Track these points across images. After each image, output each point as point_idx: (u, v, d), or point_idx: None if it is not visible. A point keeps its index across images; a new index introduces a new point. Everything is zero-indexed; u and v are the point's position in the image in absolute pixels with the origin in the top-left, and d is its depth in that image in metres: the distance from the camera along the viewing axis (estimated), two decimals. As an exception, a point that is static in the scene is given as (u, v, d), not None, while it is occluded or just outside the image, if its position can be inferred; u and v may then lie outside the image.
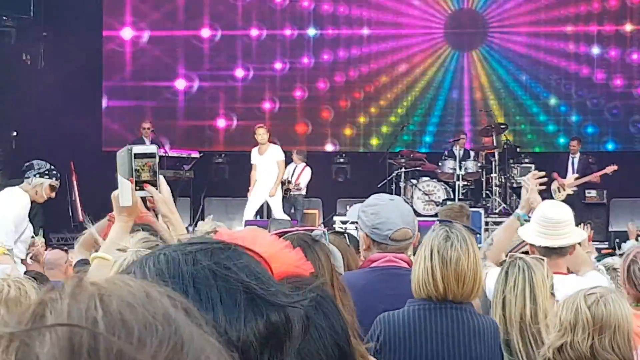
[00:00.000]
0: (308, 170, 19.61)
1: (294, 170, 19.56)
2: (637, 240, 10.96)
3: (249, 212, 18.11)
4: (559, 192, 18.85)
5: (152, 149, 3.49)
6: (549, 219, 5.69)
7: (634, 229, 10.04)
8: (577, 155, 19.71)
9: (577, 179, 19.31)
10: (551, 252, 5.69)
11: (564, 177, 19.35)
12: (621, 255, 7.14)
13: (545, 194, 8.48)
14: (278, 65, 23.06)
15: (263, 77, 23.10)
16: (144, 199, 3.56)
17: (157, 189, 3.51)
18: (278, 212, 18.01)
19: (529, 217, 6.05)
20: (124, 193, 3.44)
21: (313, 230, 3.33)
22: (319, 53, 23.01)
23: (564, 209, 5.84)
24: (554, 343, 3.75)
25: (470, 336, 4.28)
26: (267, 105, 23.03)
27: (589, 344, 3.69)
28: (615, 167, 19.16)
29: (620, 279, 6.05)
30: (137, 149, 3.46)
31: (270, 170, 18.03)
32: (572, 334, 3.70)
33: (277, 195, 18.18)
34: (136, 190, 3.46)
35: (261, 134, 18.08)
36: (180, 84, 23.08)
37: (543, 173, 6.89)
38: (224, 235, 2.21)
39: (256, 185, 18.11)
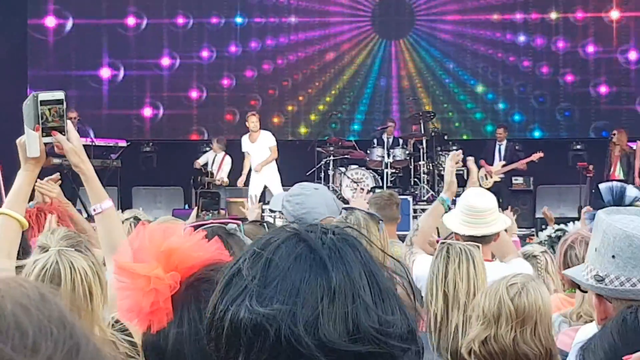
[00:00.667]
0: (228, 160, 19.57)
1: (214, 159, 19.52)
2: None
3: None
4: (486, 179, 19.00)
5: (60, 95, 3.34)
6: (473, 208, 5.68)
7: (550, 215, 10.08)
8: (504, 142, 19.86)
9: (503, 166, 19.47)
10: (476, 240, 5.69)
11: (491, 164, 19.50)
12: (540, 242, 7.18)
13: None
14: (205, 54, 22.89)
15: (190, 66, 22.91)
16: (53, 148, 3.42)
17: (64, 135, 3.37)
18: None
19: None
20: (31, 143, 3.29)
21: (227, 223, 3.25)
22: (246, 41, 22.88)
23: (487, 198, 5.83)
24: (478, 335, 3.71)
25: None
26: (194, 94, 22.86)
27: (511, 336, 3.66)
28: (541, 154, 19.34)
29: (542, 265, 6.06)
30: (43, 95, 3.31)
31: (264, 156, 18.10)
32: (496, 327, 3.67)
33: (276, 179, 18.13)
34: (43, 136, 3.31)
35: (254, 121, 18.14)
36: (105, 72, 22.80)
37: (460, 152, 6.89)
38: (140, 229, 2.17)
39: (251, 173, 18.07)
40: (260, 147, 18.03)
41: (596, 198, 3.86)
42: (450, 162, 6.40)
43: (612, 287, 2.60)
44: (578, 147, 21.74)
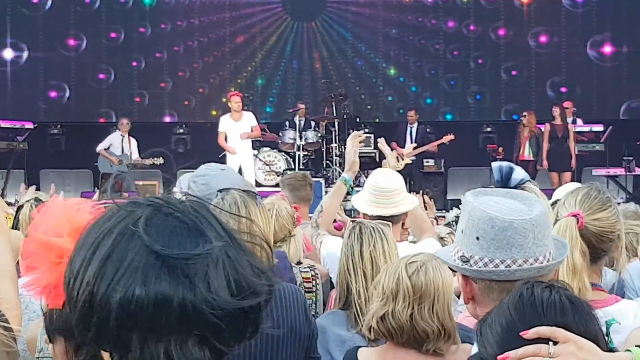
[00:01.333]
0: (134, 141, 19.36)
1: (122, 140, 19.28)
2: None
3: None
4: (398, 161, 19.03)
5: None
6: (380, 188, 5.68)
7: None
8: (415, 125, 19.98)
9: (415, 148, 19.57)
10: (384, 220, 5.68)
11: (403, 146, 19.58)
12: (448, 224, 7.20)
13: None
14: (114, 35, 22.58)
15: (98, 47, 22.58)
16: None
17: None
18: (250, 178, 17.72)
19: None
20: None
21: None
22: (156, 22, 22.63)
23: (394, 178, 5.83)
24: (377, 312, 3.71)
25: (276, 303, 4.15)
26: (102, 76, 22.56)
27: (409, 313, 3.66)
28: (451, 137, 19.49)
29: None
30: None
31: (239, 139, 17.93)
32: (394, 303, 3.67)
33: (250, 163, 18.03)
34: None
35: (237, 101, 17.88)
36: (7, 53, 22.38)
37: (361, 132, 6.88)
38: (52, 205, 2.12)
39: (238, 155, 17.81)
40: (243, 126, 17.83)
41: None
42: (352, 142, 6.37)
43: (476, 268, 2.62)
44: (488, 129, 21.97)
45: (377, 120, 22.23)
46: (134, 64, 22.63)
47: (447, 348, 3.73)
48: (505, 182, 4.10)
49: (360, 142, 6.46)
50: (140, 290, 1.51)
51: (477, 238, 2.61)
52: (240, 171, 17.56)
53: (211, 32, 22.71)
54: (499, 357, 2.04)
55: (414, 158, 19.56)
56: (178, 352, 1.53)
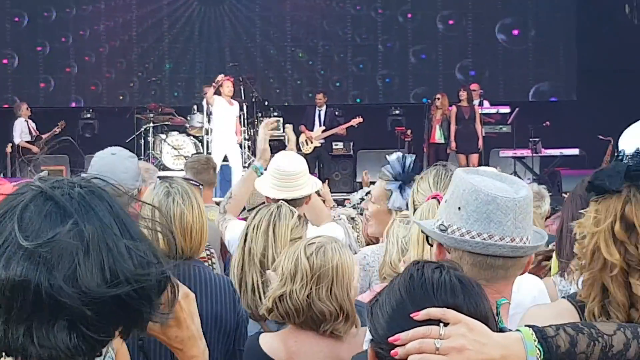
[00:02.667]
0: (32, 124, 19.12)
1: (28, 125, 19.01)
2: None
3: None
4: (306, 144, 19.13)
5: None
6: (283, 171, 5.70)
7: (367, 179, 10.26)
8: (324, 108, 20.01)
9: (323, 131, 19.63)
10: (286, 203, 5.70)
11: (312, 130, 19.62)
12: (353, 206, 7.25)
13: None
14: (17, 19, 22.20)
15: (1, 31, 22.18)
16: None
17: None
18: (237, 167, 17.40)
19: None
20: None
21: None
22: (61, 7, 22.29)
23: (297, 161, 5.85)
24: (274, 293, 3.71)
25: (201, 292, 4.16)
26: (5, 61, 22.17)
27: (306, 294, 3.67)
28: (360, 119, 19.58)
29: (360, 227, 6.10)
30: None
31: (233, 123, 17.69)
32: (292, 284, 3.67)
33: (237, 151, 17.77)
34: None
35: (229, 86, 17.59)
36: None
37: (274, 119, 6.90)
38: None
39: (220, 136, 17.52)
40: (233, 113, 17.65)
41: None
42: (263, 129, 6.37)
43: (452, 237, 2.67)
44: (396, 112, 22.11)
45: (286, 104, 22.20)
46: (39, 48, 22.27)
47: (345, 330, 3.74)
48: (406, 171, 4.15)
49: (271, 130, 6.46)
50: (0, 274, 1.55)
51: (459, 208, 2.65)
52: (225, 159, 17.48)
53: (118, 16, 22.44)
54: (389, 339, 2.04)
55: (322, 141, 19.62)
56: (41, 336, 1.56)
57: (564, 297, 2.82)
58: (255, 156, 18.50)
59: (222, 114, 17.56)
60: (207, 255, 5.66)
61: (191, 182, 4.48)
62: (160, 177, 4.66)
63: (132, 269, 1.60)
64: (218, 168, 17.38)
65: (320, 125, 19.75)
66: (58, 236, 1.56)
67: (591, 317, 2.63)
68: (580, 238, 2.65)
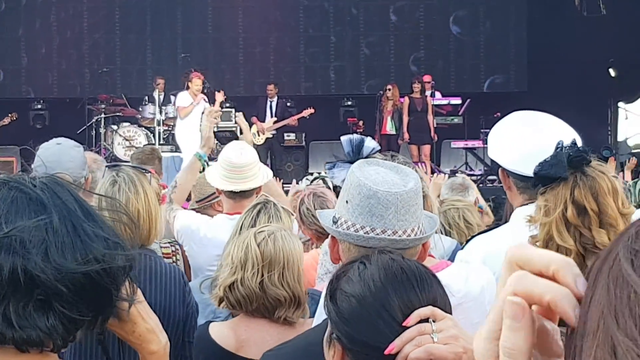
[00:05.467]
0: None
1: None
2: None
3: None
4: (258, 135, 19.12)
5: None
6: (232, 164, 5.71)
7: None
8: (275, 99, 20.00)
9: (275, 122, 19.63)
10: (236, 195, 5.72)
11: (263, 121, 19.62)
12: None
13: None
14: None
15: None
16: None
17: None
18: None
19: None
20: None
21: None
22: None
23: (247, 152, 5.86)
24: (224, 281, 3.73)
25: (150, 282, 4.14)
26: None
27: (258, 280, 3.70)
28: (311, 110, 19.61)
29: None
30: None
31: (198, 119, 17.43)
32: (243, 271, 3.70)
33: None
34: None
35: (198, 84, 17.42)
36: None
37: (217, 108, 6.91)
38: None
39: (193, 133, 17.32)
40: (200, 108, 17.41)
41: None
42: (207, 117, 6.39)
43: (340, 230, 2.72)
44: (349, 103, 22.15)
45: (238, 95, 22.15)
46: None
47: (297, 317, 3.78)
48: (357, 152, 4.18)
49: (215, 118, 6.47)
50: None
51: (347, 202, 2.71)
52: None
53: (69, 6, 22.26)
54: (386, 351, 2.07)
55: (274, 132, 19.62)
56: (18, 316, 1.60)
57: (531, 237, 2.88)
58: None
59: (191, 112, 17.49)
60: (172, 251, 5.65)
61: (139, 169, 4.48)
62: (108, 166, 4.64)
63: (101, 250, 1.67)
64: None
65: (271, 117, 19.75)
66: (27, 220, 1.63)
67: None
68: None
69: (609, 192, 2.78)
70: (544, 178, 2.80)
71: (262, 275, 3.70)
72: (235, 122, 18.60)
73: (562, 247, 2.70)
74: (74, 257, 1.64)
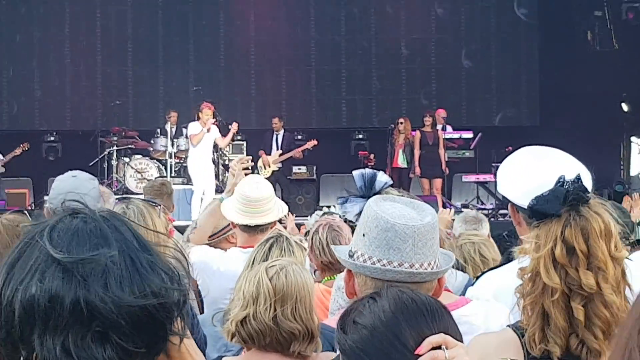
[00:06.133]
0: None
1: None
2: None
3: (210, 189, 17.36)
4: (265, 169, 19.15)
5: None
6: (248, 197, 5.73)
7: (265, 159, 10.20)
8: (281, 132, 20.01)
9: (280, 155, 19.66)
10: (251, 229, 5.74)
11: (270, 154, 19.66)
12: (307, 233, 7.26)
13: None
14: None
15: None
16: None
17: None
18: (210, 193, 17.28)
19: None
20: None
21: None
22: (26, 30, 22.21)
23: (263, 187, 5.88)
24: (236, 315, 3.72)
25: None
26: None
27: (271, 314, 3.69)
28: (315, 142, 19.67)
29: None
30: None
31: (210, 149, 17.75)
32: (255, 306, 3.70)
33: (212, 177, 17.81)
34: None
35: (209, 114, 17.52)
36: None
37: (249, 158, 6.93)
38: None
39: (205, 164, 17.45)
40: (211, 137, 17.57)
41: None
42: (237, 164, 6.39)
43: (357, 263, 2.73)
44: (360, 136, 22.17)
45: (249, 128, 22.19)
46: (3, 71, 22.18)
47: (311, 350, 3.77)
48: (369, 187, 4.19)
49: (244, 168, 6.47)
50: (36, 288, 1.62)
51: (364, 235, 2.72)
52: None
53: (82, 39, 22.37)
54: None
55: (280, 165, 19.62)
56: (76, 347, 1.61)
57: (508, 326, 2.88)
58: (217, 179, 18.68)
59: (203, 142, 17.57)
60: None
61: (149, 202, 4.51)
62: (119, 199, 4.69)
63: (158, 284, 1.69)
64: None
65: (277, 149, 19.78)
66: (88, 250, 1.66)
67: (532, 343, 2.70)
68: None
69: (601, 235, 2.75)
70: (538, 213, 2.80)
71: (275, 310, 3.69)
72: (248, 155, 18.71)
73: (548, 285, 2.70)
74: (131, 290, 1.65)
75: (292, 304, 3.70)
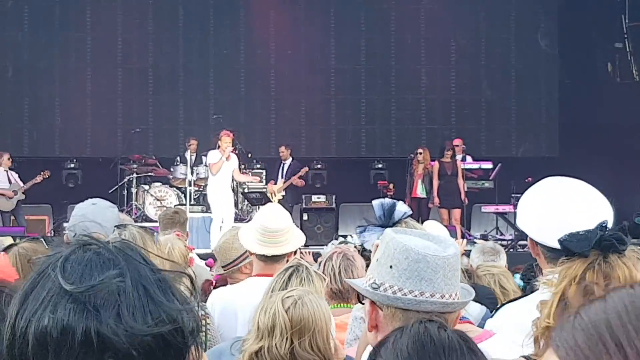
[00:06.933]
0: (15, 174, 19.03)
1: (7, 175, 18.91)
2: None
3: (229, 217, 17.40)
4: (272, 197, 19.17)
5: None
6: (266, 228, 5.72)
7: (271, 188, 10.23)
8: (289, 160, 19.98)
9: (284, 183, 19.68)
10: (268, 259, 5.74)
11: (276, 182, 19.69)
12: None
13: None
14: (2, 69, 22.25)
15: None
16: None
17: None
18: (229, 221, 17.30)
19: None
20: None
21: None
22: (46, 57, 22.35)
23: (281, 217, 5.87)
24: (250, 347, 3.69)
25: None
26: None
27: (288, 347, 3.67)
28: (306, 168, 19.72)
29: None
30: None
31: (230, 177, 17.69)
32: (270, 339, 3.66)
33: (231, 205, 17.83)
34: None
35: (227, 142, 17.42)
36: None
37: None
38: None
39: (224, 192, 17.45)
40: (231, 166, 17.51)
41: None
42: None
43: (388, 295, 2.73)
44: (379, 166, 22.16)
45: (268, 156, 22.25)
46: (24, 98, 22.31)
47: (328, 380, 3.75)
48: (388, 217, 4.18)
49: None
50: (48, 320, 1.61)
51: (391, 267, 2.72)
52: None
53: (103, 67, 22.49)
54: None
55: (283, 193, 19.59)
56: None
57: (522, 357, 2.86)
58: (236, 207, 18.67)
59: (222, 170, 17.51)
60: (201, 315, 5.62)
61: (145, 228, 4.54)
62: (116, 226, 4.70)
63: (172, 309, 1.68)
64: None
65: (282, 178, 19.80)
66: (101, 281, 1.65)
67: None
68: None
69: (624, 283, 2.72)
70: (566, 249, 2.78)
71: (292, 343, 3.66)
72: (267, 183, 18.79)
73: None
74: (144, 319, 1.64)
75: (310, 335, 3.67)
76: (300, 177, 19.77)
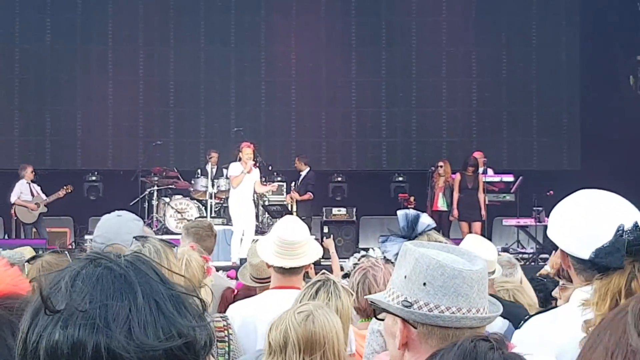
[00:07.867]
0: (37, 187, 19.13)
1: (30, 187, 18.98)
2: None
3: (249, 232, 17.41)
4: (291, 207, 19.22)
5: None
6: (284, 240, 5.72)
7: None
8: (304, 171, 19.91)
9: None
10: (285, 271, 5.74)
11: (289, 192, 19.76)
12: (345, 275, 7.24)
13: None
14: (24, 81, 22.35)
15: (9, 93, 22.32)
16: None
17: None
18: (249, 235, 17.35)
19: None
20: None
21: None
22: (68, 70, 22.44)
23: (299, 229, 5.86)
24: (261, 366, 3.68)
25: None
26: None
27: (301, 363, 3.65)
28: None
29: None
30: None
31: (251, 189, 17.64)
32: (283, 355, 3.63)
33: (252, 218, 17.78)
34: None
35: (248, 153, 17.42)
36: None
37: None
38: None
39: (246, 204, 17.45)
40: (252, 178, 17.50)
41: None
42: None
43: (421, 312, 2.67)
44: (400, 178, 22.10)
45: (289, 169, 22.23)
46: (46, 111, 22.40)
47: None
48: (411, 228, 4.18)
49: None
50: (59, 335, 1.62)
51: (424, 284, 2.67)
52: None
53: (125, 80, 22.57)
54: None
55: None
56: None
57: None
58: (257, 220, 18.67)
59: (243, 182, 17.45)
60: (224, 326, 5.62)
61: (166, 241, 4.54)
62: (136, 237, 4.70)
63: (184, 324, 1.68)
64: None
65: (294, 190, 19.82)
66: (112, 296, 1.65)
67: None
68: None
69: None
70: (601, 266, 2.72)
71: (304, 359, 3.64)
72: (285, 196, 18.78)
73: None
74: (156, 334, 1.64)
75: (322, 350, 3.64)
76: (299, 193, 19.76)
